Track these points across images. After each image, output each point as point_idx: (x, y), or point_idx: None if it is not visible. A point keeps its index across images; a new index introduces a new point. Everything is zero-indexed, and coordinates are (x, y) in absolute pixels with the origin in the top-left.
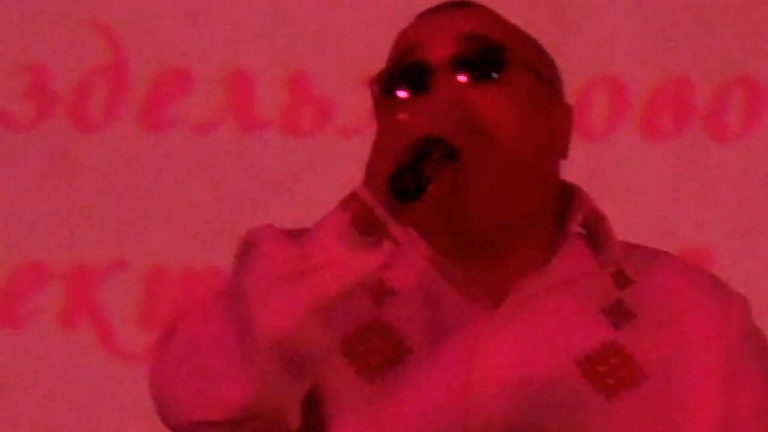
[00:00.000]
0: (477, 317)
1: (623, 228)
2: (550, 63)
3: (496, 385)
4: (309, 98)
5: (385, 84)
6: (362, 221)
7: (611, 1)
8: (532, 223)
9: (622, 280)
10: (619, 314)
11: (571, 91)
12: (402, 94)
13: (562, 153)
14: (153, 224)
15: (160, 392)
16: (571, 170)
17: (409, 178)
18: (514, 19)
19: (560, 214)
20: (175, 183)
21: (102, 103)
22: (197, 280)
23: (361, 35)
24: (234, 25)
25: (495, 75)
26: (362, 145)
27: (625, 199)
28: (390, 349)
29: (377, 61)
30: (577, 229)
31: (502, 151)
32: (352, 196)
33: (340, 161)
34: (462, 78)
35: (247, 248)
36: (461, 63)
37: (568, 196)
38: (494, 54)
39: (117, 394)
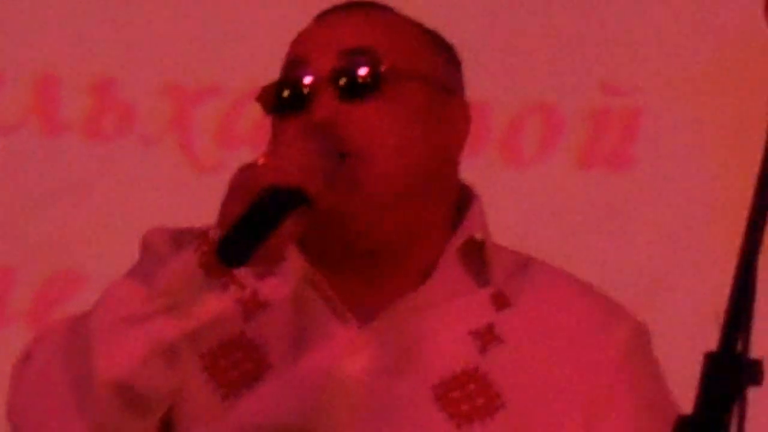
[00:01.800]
0: (341, 337)
1: None
2: (444, 61)
3: (344, 408)
4: (113, 104)
5: (269, 101)
6: (210, 263)
7: None
8: (419, 237)
9: (500, 302)
10: (488, 339)
11: None
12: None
13: (455, 153)
14: None
15: (14, 421)
16: None
17: (233, 247)
18: None
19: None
20: None
21: None
22: None
23: (168, 44)
24: (45, 29)
25: (371, 93)
26: (161, 154)
27: None
28: (251, 365)
29: (183, 69)
30: (457, 246)
31: (374, 174)
32: (204, 236)
33: (139, 168)
34: (337, 96)
35: (141, 251)
36: (337, 81)
37: (467, 205)
38: (372, 71)
39: None
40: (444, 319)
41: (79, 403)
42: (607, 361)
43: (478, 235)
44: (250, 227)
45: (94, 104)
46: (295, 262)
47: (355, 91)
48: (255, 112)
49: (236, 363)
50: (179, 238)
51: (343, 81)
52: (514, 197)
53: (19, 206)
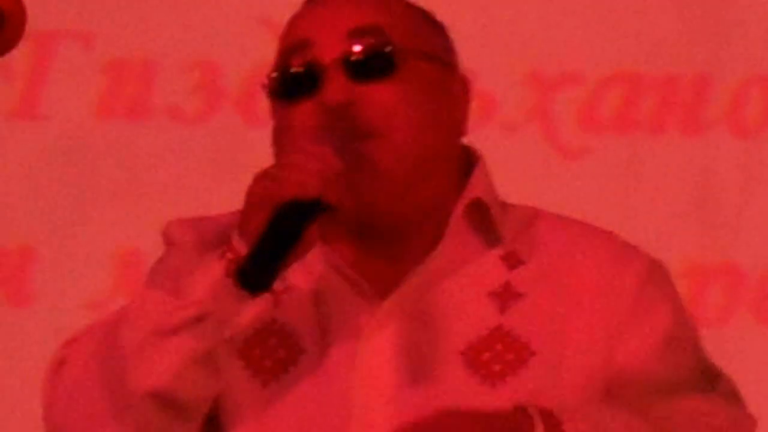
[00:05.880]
0: (365, 316)
1: None
2: (440, 35)
3: (375, 387)
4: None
5: (274, 87)
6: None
7: None
8: (433, 209)
9: (513, 260)
10: (506, 297)
11: (726, 88)
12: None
13: (462, 128)
14: None
15: (53, 425)
16: (726, 167)
17: (255, 276)
18: (672, 17)
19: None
20: None
21: None
22: None
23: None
24: None
25: (385, 72)
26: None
27: None
28: (284, 351)
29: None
30: (461, 210)
31: (394, 153)
32: (228, 245)
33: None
34: (352, 78)
35: (165, 246)
36: (350, 62)
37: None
38: (384, 52)
39: None
40: (460, 284)
41: (118, 414)
42: (623, 291)
43: (483, 196)
44: (271, 251)
45: None
46: (316, 249)
47: (369, 71)
48: (615, 97)
49: (270, 350)
50: (200, 228)
51: (356, 61)
52: None
53: None
